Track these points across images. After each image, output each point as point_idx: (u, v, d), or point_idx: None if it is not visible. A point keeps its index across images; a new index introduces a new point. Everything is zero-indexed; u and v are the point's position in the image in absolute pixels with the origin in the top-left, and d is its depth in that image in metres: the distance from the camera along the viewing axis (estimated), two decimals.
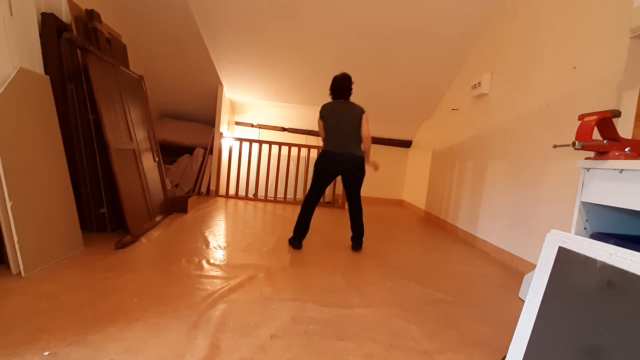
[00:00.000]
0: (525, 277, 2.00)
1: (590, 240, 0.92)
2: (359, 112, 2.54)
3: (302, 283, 1.86)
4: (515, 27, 2.90)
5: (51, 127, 1.93)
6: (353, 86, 2.61)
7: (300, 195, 5.07)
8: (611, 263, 0.85)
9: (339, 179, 5.13)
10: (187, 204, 3.47)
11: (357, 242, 2.64)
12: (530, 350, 0.96)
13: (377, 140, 5.56)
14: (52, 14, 2.12)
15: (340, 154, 2.52)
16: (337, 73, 2.61)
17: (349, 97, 2.61)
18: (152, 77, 4.17)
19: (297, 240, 2.57)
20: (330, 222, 3.75)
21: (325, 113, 2.58)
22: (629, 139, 1.30)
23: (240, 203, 4.47)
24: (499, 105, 3.05)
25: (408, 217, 4.65)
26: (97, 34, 2.49)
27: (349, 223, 2.69)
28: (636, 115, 1.69)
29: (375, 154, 5.68)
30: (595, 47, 2.03)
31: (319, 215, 4.08)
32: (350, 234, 2.69)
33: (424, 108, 4.85)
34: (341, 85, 2.56)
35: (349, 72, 2.62)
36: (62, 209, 1.93)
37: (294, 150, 4.84)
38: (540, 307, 0.98)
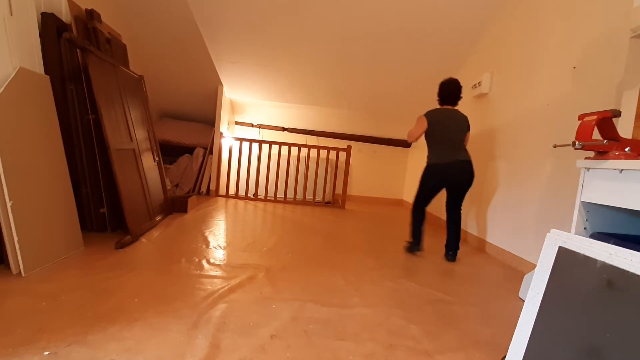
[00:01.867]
0: (525, 277, 2.00)
1: (590, 240, 0.92)
2: (466, 123, 2.57)
3: (302, 283, 1.86)
4: (515, 27, 2.90)
5: (51, 127, 1.93)
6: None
7: (300, 195, 5.07)
8: (611, 263, 0.85)
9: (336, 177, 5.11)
10: (187, 203, 3.47)
11: (453, 255, 2.60)
12: (530, 350, 0.96)
13: (377, 140, 5.57)
14: (52, 13, 2.12)
15: (454, 162, 2.48)
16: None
17: (457, 103, 2.61)
18: (152, 77, 4.17)
19: (416, 245, 2.63)
20: (330, 222, 3.75)
21: (435, 121, 2.53)
22: (629, 139, 1.30)
23: (240, 203, 4.47)
24: (499, 105, 3.05)
25: (408, 216, 4.64)
26: (97, 34, 2.49)
27: (445, 236, 2.63)
28: (636, 115, 1.69)
29: (375, 153, 5.72)
30: (595, 47, 2.03)
31: (319, 215, 4.08)
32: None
33: (424, 108, 4.82)
34: (452, 93, 2.55)
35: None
36: (62, 209, 1.93)
37: (294, 150, 4.84)
38: (540, 307, 0.98)
